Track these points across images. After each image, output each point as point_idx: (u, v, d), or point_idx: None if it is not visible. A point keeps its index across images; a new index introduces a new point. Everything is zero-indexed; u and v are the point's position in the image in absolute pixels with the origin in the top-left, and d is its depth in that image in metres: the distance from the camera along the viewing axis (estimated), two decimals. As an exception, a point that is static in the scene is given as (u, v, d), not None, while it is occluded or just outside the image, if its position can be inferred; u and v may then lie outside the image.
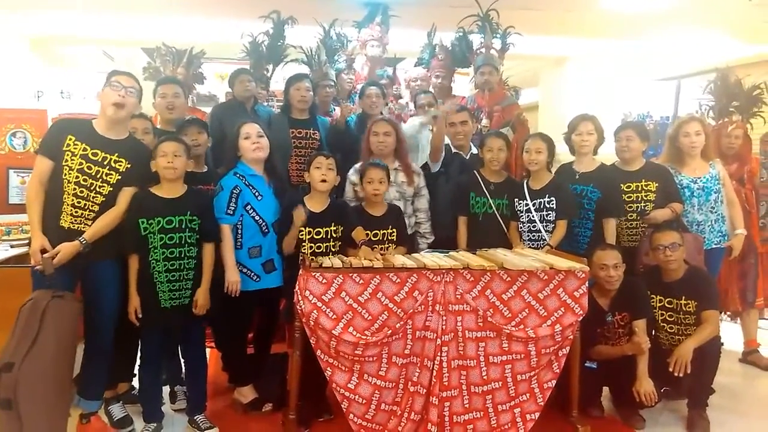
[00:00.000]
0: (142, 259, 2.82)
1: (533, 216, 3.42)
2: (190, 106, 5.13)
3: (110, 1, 6.21)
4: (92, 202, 2.79)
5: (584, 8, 6.25)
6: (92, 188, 2.79)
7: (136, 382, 3.16)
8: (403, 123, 4.35)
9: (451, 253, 3.13)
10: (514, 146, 4.08)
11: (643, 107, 6.53)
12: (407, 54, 5.95)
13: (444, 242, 3.61)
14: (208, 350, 3.28)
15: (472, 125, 3.95)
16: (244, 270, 3.12)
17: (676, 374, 2.96)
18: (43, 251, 2.67)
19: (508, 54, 5.06)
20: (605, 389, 3.31)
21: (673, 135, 3.82)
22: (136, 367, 3.11)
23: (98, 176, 2.79)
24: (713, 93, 4.49)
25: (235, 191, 3.06)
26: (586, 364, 3.08)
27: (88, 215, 2.79)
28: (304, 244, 3.11)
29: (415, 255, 3.08)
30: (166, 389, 3.34)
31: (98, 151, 2.79)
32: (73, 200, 2.76)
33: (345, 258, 2.91)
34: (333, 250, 3.16)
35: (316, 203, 3.18)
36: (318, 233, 3.14)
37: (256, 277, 3.13)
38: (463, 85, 5.79)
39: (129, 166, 2.85)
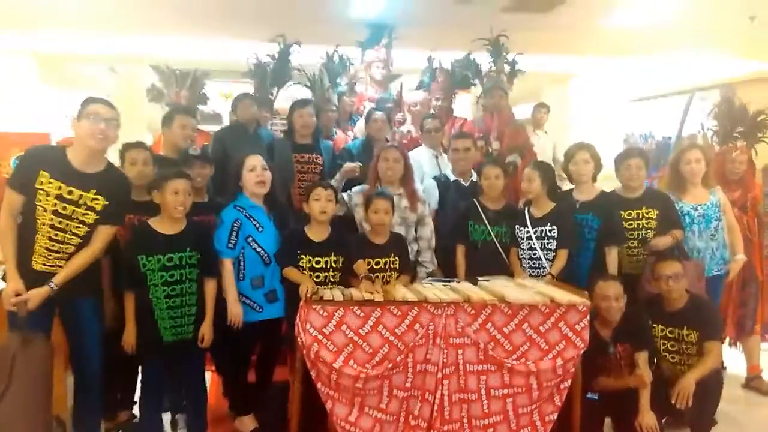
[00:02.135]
0: (141, 294, 2.81)
1: (534, 244, 3.41)
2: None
3: (116, 19, 6.25)
4: (68, 243, 2.67)
5: (585, 27, 6.25)
6: (68, 230, 2.66)
7: (136, 410, 3.14)
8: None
9: (452, 284, 3.12)
10: (520, 174, 4.08)
11: (645, 126, 6.52)
12: (406, 71, 5.97)
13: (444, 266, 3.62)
14: (208, 374, 3.27)
15: (475, 152, 3.93)
16: (247, 301, 3.11)
17: (678, 407, 2.94)
18: (17, 295, 2.57)
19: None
20: (607, 420, 3.27)
21: (674, 162, 3.81)
22: (137, 395, 3.10)
23: (74, 217, 2.66)
24: (717, 117, 4.48)
25: (235, 225, 3.06)
26: (587, 395, 3.05)
27: (62, 257, 2.67)
28: (303, 273, 3.10)
29: (416, 286, 3.06)
30: (166, 417, 3.32)
31: (74, 189, 2.64)
32: (46, 243, 2.63)
33: (346, 290, 2.90)
34: (332, 280, 3.15)
35: (316, 233, 3.18)
36: (318, 263, 3.13)
37: (258, 307, 3.13)
38: (464, 106, 5.82)
39: (107, 203, 2.71)
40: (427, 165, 4.23)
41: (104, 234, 2.75)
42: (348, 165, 3.65)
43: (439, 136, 4.41)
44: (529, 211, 3.49)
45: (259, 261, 3.13)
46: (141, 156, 3.22)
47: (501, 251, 3.56)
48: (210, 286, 2.95)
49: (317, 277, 3.11)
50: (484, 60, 5.11)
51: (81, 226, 2.68)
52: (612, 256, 3.45)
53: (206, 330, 2.90)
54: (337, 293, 2.83)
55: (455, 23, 5.75)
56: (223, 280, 3.01)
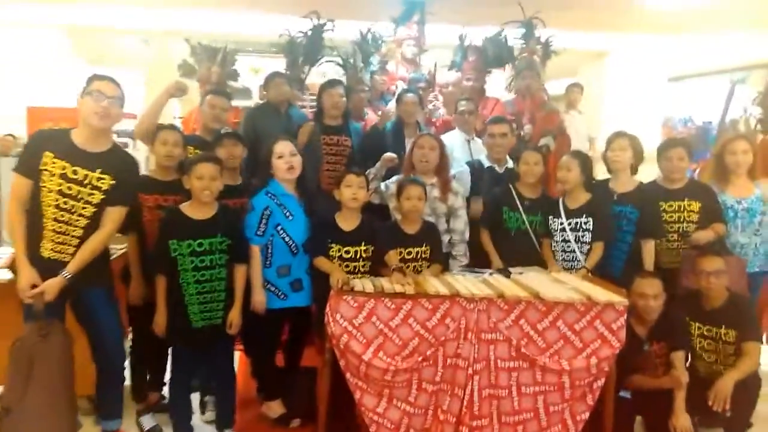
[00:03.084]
0: (171, 279, 2.78)
1: (568, 236, 3.29)
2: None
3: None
4: (75, 225, 2.60)
5: (623, 4, 5.97)
6: (74, 211, 2.58)
7: (166, 391, 3.15)
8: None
9: (485, 275, 3.03)
10: (553, 158, 3.95)
11: (684, 109, 6.25)
12: (437, 47, 5.76)
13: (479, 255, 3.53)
14: (237, 354, 3.25)
15: (512, 137, 3.79)
16: (272, 288, 3.06)
17: (715, 409, 2.84)
18: (33, 286, 2.52)
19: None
20: (637, 418, 3.18)
21: (718, 152, 3.63)
22: (167, 376, 3.10)
23: (79, 197, 2.58)
24: (762, 104, 4.25)
25: (266, 212, 3.00)
26: (620, 394, 2.97)
27: (70, 241, 2.60)
28: (333, 262, 3.04)
29: (447, 277, 2.98)
30: (195, 397, 3.32)
31: (78, 169, 2.56)
32: (54, 225, 2.56)
33: (376, 281, 2.84)
34: (363, 270, 3.09)
35: (346, 221, 3.10)
36: (347, 252, 3.07)
37: (283, 295, 3.08)
38: (497, 86, 5.64)
39: (113, 182, 2.63)
40: (458, 150, 4.11)
41: (114, 216, 2.68)
42: (387, 155, 3.54)
43: (473, 119, 4.27)
44: (563, 202, 3.36)
45: (286, 250, 3.07)
46: (172, 137, 3.16)
47: (535, 241, 3.45)
48: (240, 273, 2.90)
49: (347, 267, 3.05)
50: (517, 36, 4.91)
51: (87, 206, 2.61)
52: (648, 249, 3.33)
53: (235, 316, 2.86)
54: (367, 284, 2.77)
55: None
56: (250, 267, 2.96)
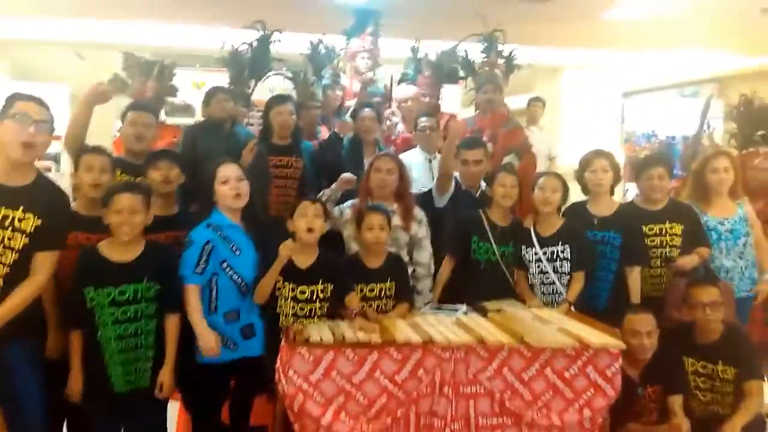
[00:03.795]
0: (88, 335, 2.28)
1: (545, 267, 2.93)
2: (160, 120, 4.61)
3: (81, 3, 5.62)
4: None
5: (583, 18, 5.76)
6: None
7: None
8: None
9: (458, 314, 2.64)
10: (520, 175, 3.59)
11: (647, 124, 6.06)
12: (391, 62, 5.41)
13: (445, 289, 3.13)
14: (176, 406, 2.77)
15: (487, 163, 3.41)
16: (219, 337, 2.56)
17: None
18: None
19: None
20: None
21: (698, 170, 3.36)
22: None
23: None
24: (736, 119, 4.03)
25: (207, 247, 2.51)
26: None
27: None
28: (284, 302, 2.60)
29: (417, 320, 2.56)
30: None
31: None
32: None
33: (336, 328, 2.40)
34: (320, 312, 2.64)
35: (300, 257, 2.65)
36: (302, 292, 2.62)
37: (232, 344, 2.57)
38: (451, 101, 5.30)
39: (39, 223, 2.18)
40: (418, 170, 3.73)
41: (44, 262, 2.21)
42: (345, 176, 3.13)
43: (435, 136, 3.89)
44: (534, 229, 3.01)
45: (234, 291, 2.58)
46: (98, 162, 2.64)
47: (507, 273, 3.09)
48: (172, 323, 2.42)
49: (301, 309, 2.61)
50: (475, 51, 4.60)
51: (7, 251, 2.14)
52: (634, 277, 3.01)
53: (166, 377, 2.37)
54: (325, 332, 2.33)
55: (444, 11, 5.22)
56: (187, 308, 2.46)
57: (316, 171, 3.69)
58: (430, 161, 3.81)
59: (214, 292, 2.56)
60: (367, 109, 3.76)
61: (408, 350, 2.27)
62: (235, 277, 2.57)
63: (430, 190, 3.37)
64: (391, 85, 4.79)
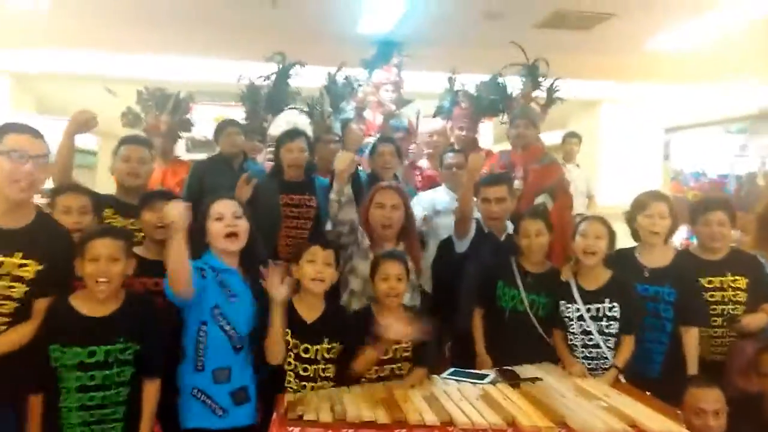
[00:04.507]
0: (50, 400, 1.93)
1: (588, 326, 2.49)
2: (175, 156, 4.37)
3: (103, 38, 5.49)
4: None
5: (626, 49, 5.37)
6: None
7: None
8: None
9: (484, 384, 2.22)
10: (553, 220, 3.18)
11: (693, 162, 5.56)
12: (420, 96, 5.10)
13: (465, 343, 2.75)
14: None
15: (512, 201, 3.02)
16: (205, 400, 2.18)
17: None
18: None
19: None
20: None
21: (764, 214, 2.90)
22: None
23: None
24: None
25: (200, 270, 2.15)
26: None
27: None
28: (288, 363, 2.23)
29: (434, 390, 2.15)
30: None
31: None
32: None
33: (339, 401, 2.00)
34: (324, 375, 2.26)
35: (306, 309, 2.29)
36: (306, 351, 2.24)
37: (220, 410, 2.18)
38: (483, 135, 4.93)
39: (40, 268, 1.94)
40: (444, 206, 3.37)
41: (44, 308, 1.97)
42: (340, 156, 2.65)
43: (462, 174, 3.52)
44: (577, 282, 2.58)
45: (226, 345, 2.20)
46: (76, 202, 2.36)
47: (538, 327, 2.65)
48: (150, 391, 2.06)
49: (305, 370, 2.24)
50: (514, 83, 4.25)
51: (6, 302, 1.91)
52: (691, 339, 2.57)
53: None
54: (324, 408, 1.93)
55: (478, 42, 4.90)
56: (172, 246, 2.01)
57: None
58: (454, 197, 3.44)
59: (201, 344, 2.18)
60: (385, 144, 3.42)
61: (423, 432, 1.87)
62: (227, 327, 2.20)
63: (450, 236, 2.99)
64: (417, 119, 4.45)
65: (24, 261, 1.92)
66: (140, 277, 2.28)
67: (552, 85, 4.07)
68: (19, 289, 1.92)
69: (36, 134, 1.97)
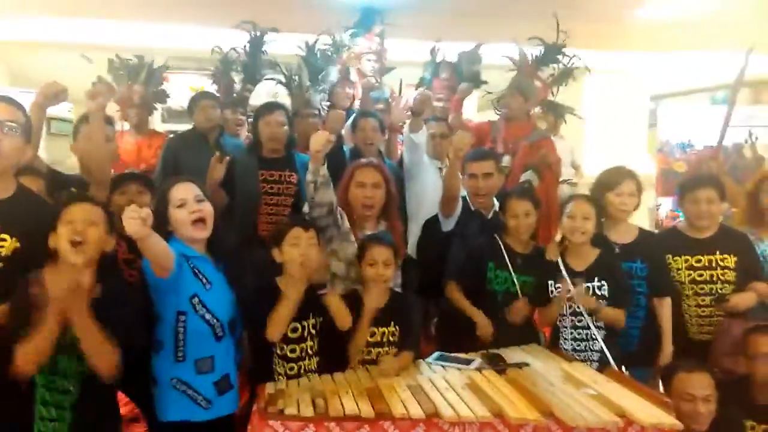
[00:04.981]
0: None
1: (579, 307, 2.42)
2: (150, 128, 4.18)
3: (77, 4, 5.21)
4: None
5: (611, 18, 5.21)
6: None
7: None
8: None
9: (470, 371, 2.14)
10: (541, 195, 3.09)
11: (680, 133, 5.46)
12: (400, 64, 4.91)
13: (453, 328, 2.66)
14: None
15: (499, 176, 2.91)
16: (188, 391, 2.07)
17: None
18: None
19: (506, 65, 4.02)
20: None
21: (753, 191, 2.84)
22: None
23: None
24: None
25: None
26: None
27: None
28: (277, 347, 2.15)
29: (420, 380, 2.07)
30: None
31: None
32: None
33: (320, 393, 1.91)
34: (311, 352, 2.19)
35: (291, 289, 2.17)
36: (294, 330, 2.15)
37: (204, 401, 2.09)
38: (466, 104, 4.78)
39: (17, 245, 1.82)
40: (427, 180, 3.28)
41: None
42: (318, 136, 2.38)
43: (446, 143, 3.40)
44: (564, 261, 2.50)
45: (208, 333, 2.09)
46: (35, 184, 2.21)
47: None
48: None
49: (292, 351, 2.16)
50: (494, 53, 4.06)
51: None
52: (665, 309, 2.60)
53: None
54: (305, 401, 1.84)
55: (464, 9, 4.71)
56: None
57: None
58: (441, 170, 3.34)
59: (180, 335, 2.06)
60: (368, 118, 3.29)
61: (407, 425, 1.79)
62: (208, 316, 2.09)
63: (436, 214, 2.89)
64: (400, 89, 4.29)
65: (1, 236, 1.80)
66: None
67: (570, 61, 3.88)
68: None
69: (10, 101, 1.86)
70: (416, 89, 4.13)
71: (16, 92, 5.51)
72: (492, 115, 3.89)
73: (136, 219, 1.71)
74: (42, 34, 5.92)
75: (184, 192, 2.10)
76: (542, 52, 3.77)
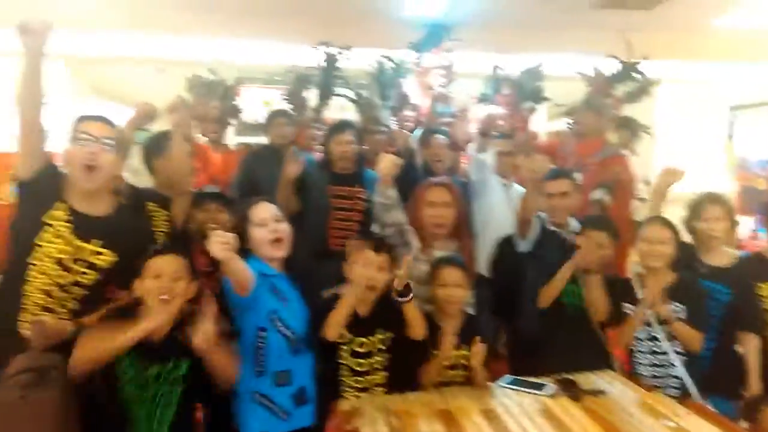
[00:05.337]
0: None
1: (654, 331, 2.34)
2: (223, 143, 4.32)
3: (154, 19, 5.46)
4: (62, 307, 1.92)
5: (691, 28, 5.02)
6: (65, 289, 1.92)
7: None
8: None
9: (543, 397, 2.10)
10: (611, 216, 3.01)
11: (761, 146, 5.18)
12: (465, 76, 4.89)
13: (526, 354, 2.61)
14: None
15: (577, 196, 2.83)
16: (267, 404, 2.14)
17: None
18: None
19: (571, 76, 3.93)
20: None
21: None
22: None
23: (72, 273, 1.91)
24: None
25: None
26: None
27: None
28: (343, 359, 2.18)
29: (493, 404, 2.04)
30: None
31: (74, 238, 1.91)
32: (39, 298, 1.89)
33: (394, 412, 1.92)
34: (379, 367, 2.21)
35: (359, 303, 2.21)
36: (361, 345, 2.18)
37: (283, 413, 2.15)
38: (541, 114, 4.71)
39: (115, 260, 1.95)
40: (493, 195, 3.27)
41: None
42: (387, 162, 2.45)
43: (511, 160, 3.38)
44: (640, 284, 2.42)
45: (285, 348, 2.15)
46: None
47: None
48: None
49: (359, 365, 2.19)
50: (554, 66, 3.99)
51: (76, 288, 1.94)
52: (751, 346, 2.45)
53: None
54: (380, 422, 1.86)
55: (531, 23, 4.65)
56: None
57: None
58: (505, 186, 3.33)
59: (261, 350, 2.13)
60: (438, 135, 3.29)
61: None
62: (285, 330, 2.15)
63: (510, 234, 2.84)
64: (468, 105, 4.27)
65: (100, 249, 1.94)
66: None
67: (645, 82, 3.79)
68: (91, 277, 1.94)
69: (105, 121, 2.02)
70: (478, 103, 4.12)
71: (96, 103, 5.84)
72: (562, 124, 3.82)
73: (222, 244, 1.77)
74: (118, 49, 6.21)
75: (264, 212, 2.18)
76: (618, 70, 3.65)
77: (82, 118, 1.99)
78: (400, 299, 2.15)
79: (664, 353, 2.33)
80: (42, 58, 1.89)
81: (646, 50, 4.10)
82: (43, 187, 1.91)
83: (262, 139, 4.22)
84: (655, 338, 2.35)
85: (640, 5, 4.32)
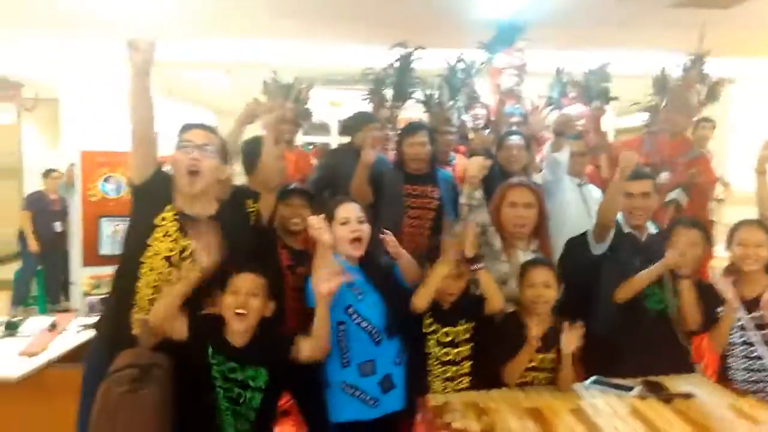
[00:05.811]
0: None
1: (751, 336, 2.26)
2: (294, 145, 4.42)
3: (227, 24, 5.65)
4: None
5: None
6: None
7: None
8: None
9: (631, 397, 2.08)
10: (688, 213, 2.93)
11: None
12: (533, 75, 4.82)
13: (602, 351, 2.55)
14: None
15: (657, 198, 2.77)
16: (355, 393, 2.21)
17: None
18: None
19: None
20: None
21: None
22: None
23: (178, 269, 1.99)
24: None
25: None
26: None
27: None
28: (430, 347, 2.23)
29: (582, 404, 2.03)
30: None
31: (180, 236, 2.01)
32: (150, 293, 1.99)
33: (484, 408, 1.94)
34: (466, 355, 2.25)
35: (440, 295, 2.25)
36: (446, 335, 2.23)
37: (372, 401, 2.21)
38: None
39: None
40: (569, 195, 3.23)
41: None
42: (474, 164, 2.49)
43: (584, 161, 3.37)
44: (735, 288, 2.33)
45: (367, 339, 2.21)
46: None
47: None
48: None
49: (446, 354, 2.23)
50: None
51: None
52: None
53: None
54: (470, 418, 1.88)
55: (607, 21, 4.56)
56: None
57: (454, 203, 3.25)
58: (579, 186, 3.30)
59: (343, 342, 2.20)
60: (515, 137, 3.27)
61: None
62: (364, 324, 2.21)
63: (584, 234, 2.79)
64: (539, 105, 4.24)
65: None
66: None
67: (716, 84, 3.66)
68: (196, 272, 2.00)
69: (205, 128, 2.09)
70: (546, 106, 4.07)
71: (171, 104, 6.05)
72: (632, 120, 3.74)
73: (330, 280, 1.96)
74: (190, 54, 6.45)
75: (349, 211, 2.25)
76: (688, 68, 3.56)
77: (185, 127, 2.08)
78: (473, 267, 2.18)
79: (760, 358, 2.25)
80: (149, 74, 1.97)
81: (722, 48, 3.97)
82: (154, 192, 2.01)
83: (327, 140, 4.29)
84: (749, 343, 2.27)
85: (717, 3, 4.18)
